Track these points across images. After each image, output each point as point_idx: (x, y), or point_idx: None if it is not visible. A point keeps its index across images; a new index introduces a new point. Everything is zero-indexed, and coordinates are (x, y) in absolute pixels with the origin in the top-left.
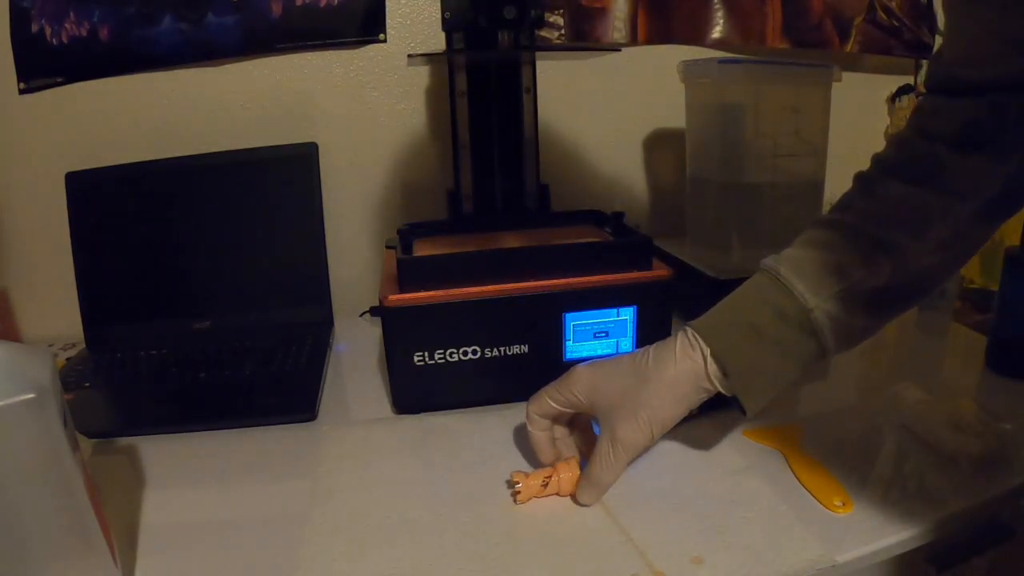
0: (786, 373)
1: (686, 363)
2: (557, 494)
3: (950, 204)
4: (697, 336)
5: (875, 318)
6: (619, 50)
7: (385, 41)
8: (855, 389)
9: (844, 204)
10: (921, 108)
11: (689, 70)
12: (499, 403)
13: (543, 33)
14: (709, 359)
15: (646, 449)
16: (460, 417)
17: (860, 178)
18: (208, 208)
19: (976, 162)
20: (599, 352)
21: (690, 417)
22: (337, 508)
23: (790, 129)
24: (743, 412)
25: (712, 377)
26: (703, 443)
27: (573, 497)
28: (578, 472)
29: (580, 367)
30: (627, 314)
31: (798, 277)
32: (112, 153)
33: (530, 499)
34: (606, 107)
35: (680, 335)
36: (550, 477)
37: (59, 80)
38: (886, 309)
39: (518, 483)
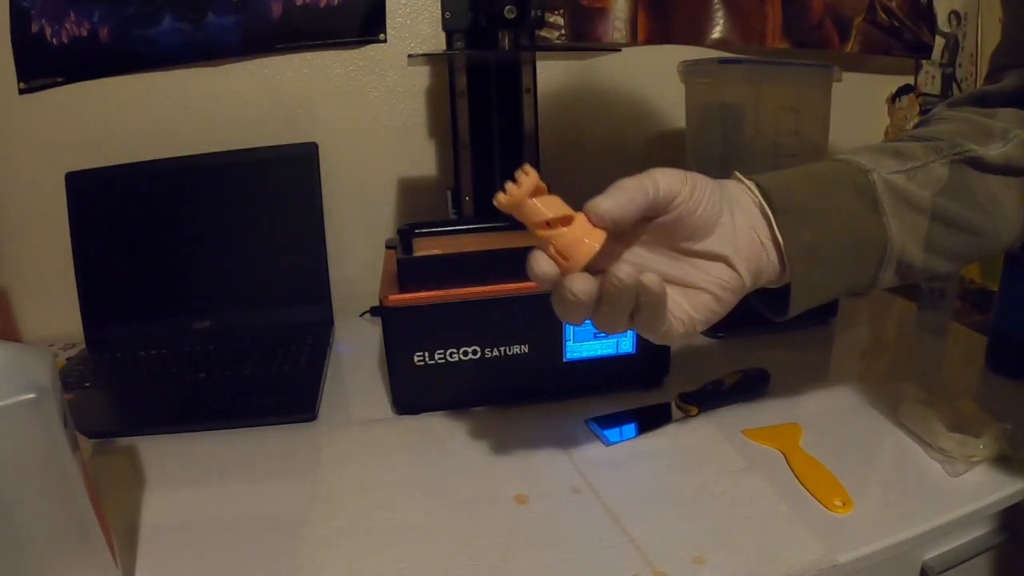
0: (840, 239)
1: (728, 181)
2: (548, 218)
3: (1008, 128)
4: (744, 177)
5: (943, 224)
6: (619, 50)
7: (385, 41)
8: (855, 389)
9: (896, 136)
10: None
11: (689, 70)
12: (499, 403)
13: (543, 33)
14: (755, 192)
15: (665, 203)
16: (460, 417)
17: (915, 127)
18: (208, 208)
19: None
20: (599, 352)
21: (690, 415)
22: (337, 508)
23: (790, 129)
24: (776, 313)
25: (755, 194)
26: (703, 443)
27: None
28: (599, 238)
29: None
30: None
31: (853, 155)
32: (112, 153)
33: (519, 214)
34: (606, 107)
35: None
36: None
37: (59, 80)
38: (954, 214)
39: (527, 175)
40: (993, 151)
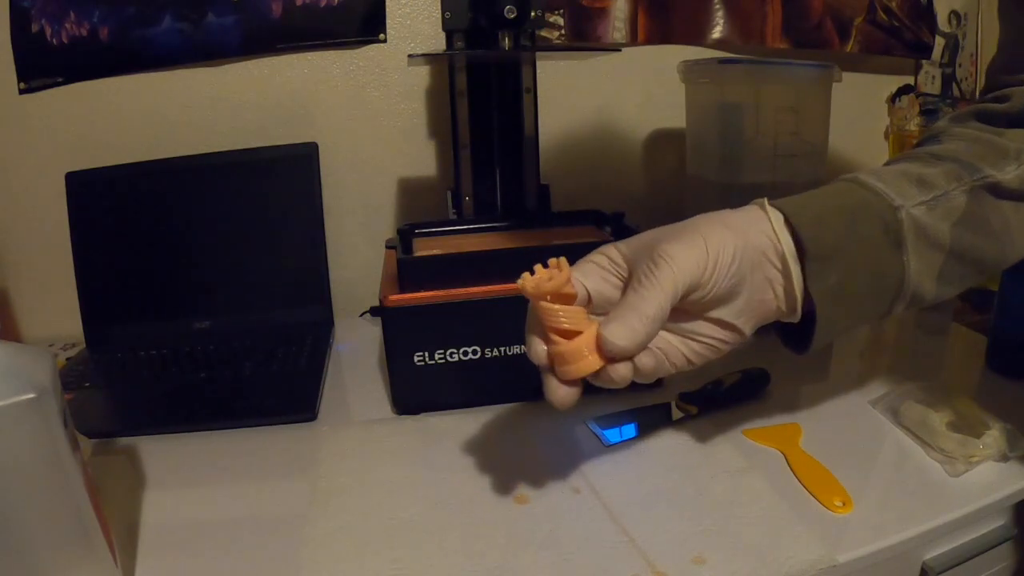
0: (860, 278)
1: (752, 218)
2: (563, 328)
3: (1022, 148)
4: (767, 203)
5: (956, 258)
6: (619, 50)
7: (385, 41)
8: (855, 389)
9: (910, 151)
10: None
11: (689, 70)
12: (499, 403)
13: (543, 33)
14: (781, 226)
15: (688, 293)
16: (460, 417)
17: (919, 143)
18: (208, 208)
19: None
20: None
21: (690, 415)
22: (337, 508)
23: (790, 129)
24: (799, 348)
25: (780, 243)
26: (703, 443)
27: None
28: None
29: None
30: None
31: (880, 182)
32: (112, 153)
33: (533, 299)
34: (606, 107)
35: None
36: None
37: (59, 80)
38: (968, 245)
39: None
40: (1009, 174)
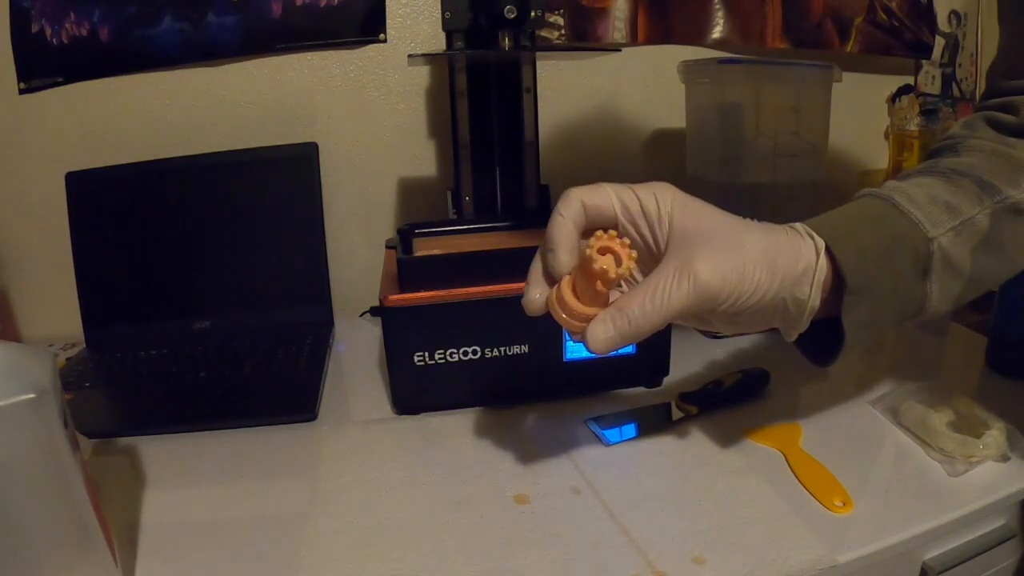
0: (887, 311)
1: (794, 244)
2: (599, 279)
3: None
4: (808, 228)
5: (975, 283)
6: (619, 50)
7: (385, 41)
8: (855, 389)
9: (930, 163)
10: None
11: (689, 70)
12: (499, 403)
13: (543, 33)
14: (821, 253)
15: (696, 311)
16: (460, 417)
17: (934, 151)
18: (208, 208)
19: None
20: None
21: (690, 415)
22: (337, 508)
23: (790, 129)
24: (822, 360)
25: (817, 275)
26: (703, 443)
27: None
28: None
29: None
30: None
31: (914, 206)
32: (112, 153)
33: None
34: (606, 107)
35: (784, 227)
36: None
37: (59, 80)
38: (985, 270)
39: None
40: None
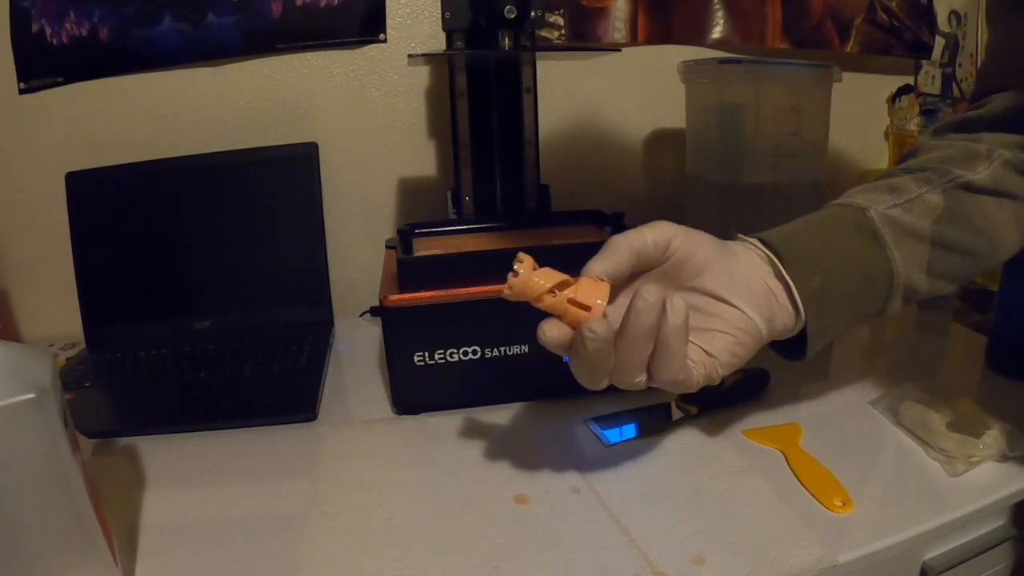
0: (847, 278)
1: (748, 253)
2: (571, 301)
3: (992, 149)
4: (746, 236)
5: (943, 249)
6: (619, 50)
7: (385, 41)
8: (855, 389)
9: (887, 171)
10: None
11: (689, 70)
12: (499, 403)
13: (543, 33)
14: (760, 246)
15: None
16: (460, 417)
17: (899, 160)
18: (208, 208)
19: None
20: None
21: (690, 415)
22: (337, 508)
23: (790, 129)
24: (792, 355)
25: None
26: (703, 443)
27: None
28: (605, 290)
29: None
30: None
31: (852, 196)
32: (112, 153)
33: (523, 294)
34: (606, 107)
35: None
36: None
37: (59, 80)
38: (953, 239)
39: (521, 263)
40: (980, 173)
